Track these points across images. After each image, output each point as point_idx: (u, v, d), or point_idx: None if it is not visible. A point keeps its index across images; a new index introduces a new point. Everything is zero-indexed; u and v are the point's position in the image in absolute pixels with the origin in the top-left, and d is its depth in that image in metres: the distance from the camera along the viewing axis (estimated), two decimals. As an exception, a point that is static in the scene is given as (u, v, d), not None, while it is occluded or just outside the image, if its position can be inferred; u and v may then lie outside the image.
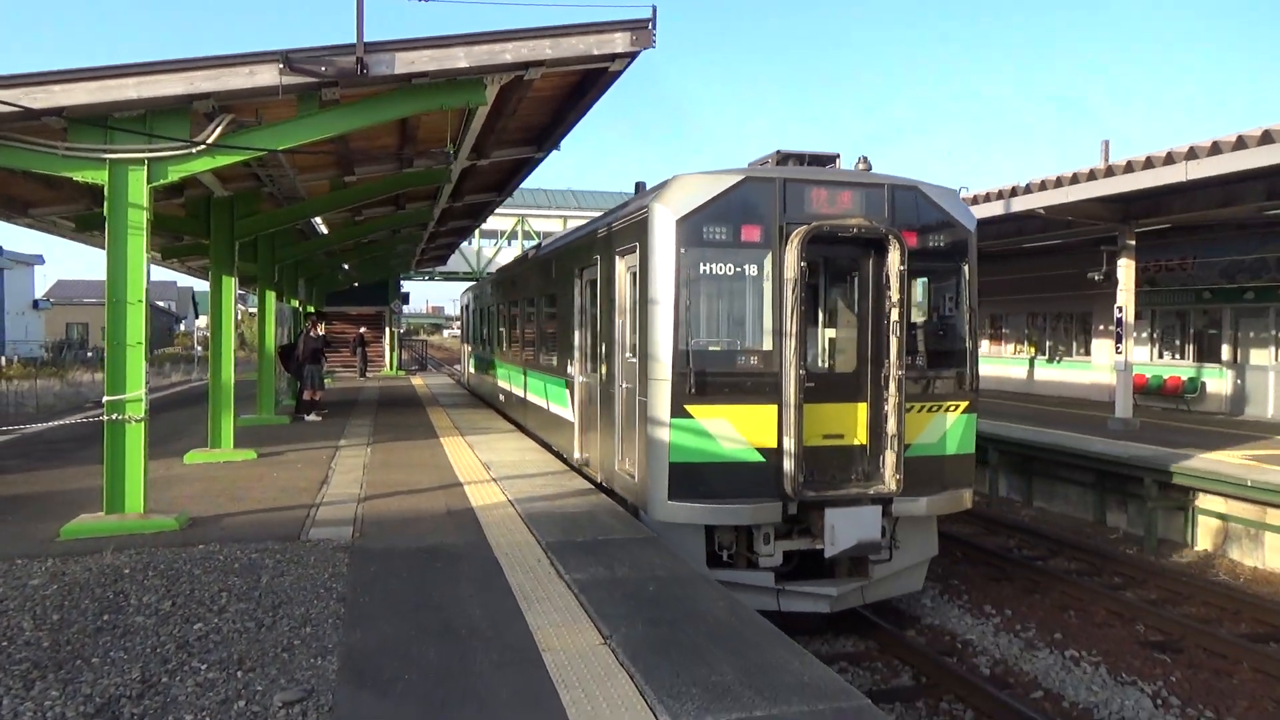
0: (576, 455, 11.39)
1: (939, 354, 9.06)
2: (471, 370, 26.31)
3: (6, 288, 59.71)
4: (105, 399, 7.80)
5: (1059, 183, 14.51)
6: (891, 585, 9.30)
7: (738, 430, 8.25)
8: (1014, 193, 15.65)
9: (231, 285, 12.22)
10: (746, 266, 8.43)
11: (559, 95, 10.55)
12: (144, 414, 7.87)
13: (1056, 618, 9.89)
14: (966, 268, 9.08)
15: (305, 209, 13.14)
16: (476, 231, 43.71)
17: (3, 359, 48.76)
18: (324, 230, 17.38)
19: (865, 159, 9.34)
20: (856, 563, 9.02)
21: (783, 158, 9.23)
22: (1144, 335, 22.78)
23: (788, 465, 8.09)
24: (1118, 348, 16.65)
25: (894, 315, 8.31)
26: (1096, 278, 17.09)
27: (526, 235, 44.86)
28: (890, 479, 8.33)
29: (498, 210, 43.64)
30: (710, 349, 8.46)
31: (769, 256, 8.35)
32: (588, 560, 6.84)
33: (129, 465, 7.86)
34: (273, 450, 12.94)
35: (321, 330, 18.10)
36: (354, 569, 6.65)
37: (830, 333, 9.23)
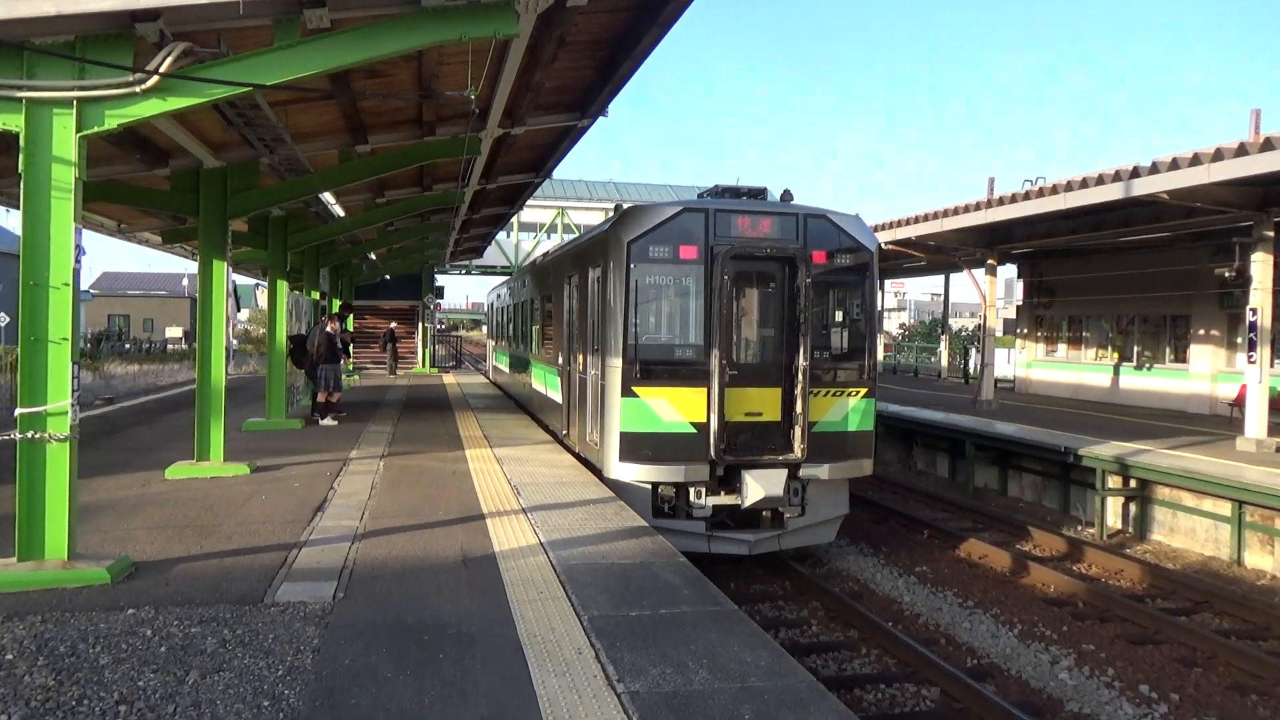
0: (563, 431, 13.42)
1: (844, 350, 11.07)
2: (495, 365, 27.86)
3: (46, 279, 59.52)
4: (18, 411, 5.98)
5: (1196, 160, 12.23)
6: (805, 536, 11.12)
7: (675, 408, 10.18)
8: (1135, 174, 13.36)
9: (223, 270, 10.42)
10: (683, 278, 10.33)
11: (608, 37, 8.61)
12: (70, 431, 6.04)
13: (1235, 705, 7.72)
14: (868, 281, 11.00)
15: (310, 183, 11.31)
16: (515, 223, 42.10)
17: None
18: (340, 213, 15.60)
19: (788, 191, 11.29)
20: (775, 516, 10.73)
21: (719, 191, 11.23)
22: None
23: (713, 436, 10.04)
24: (1250, 355, 14.29)
25: (801, 318, 10.19)
26: (1228, 274, 14.77)
27: (567, 228, 43.08)
28: (797, 448, 10.24)
29: (538, 201, 42.09)
30: (653, 343, 10.45)
31: (701, 270, 10.21)
32: (648, 652, 4.88)
33: (50, 499, 6.02)
34: (272, 463, 11.17)
35: (338, 325, 16.20)
36: (322, 661, 4.75)
37: (753, 331, 10.83)
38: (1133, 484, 13.95)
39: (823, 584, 10.61)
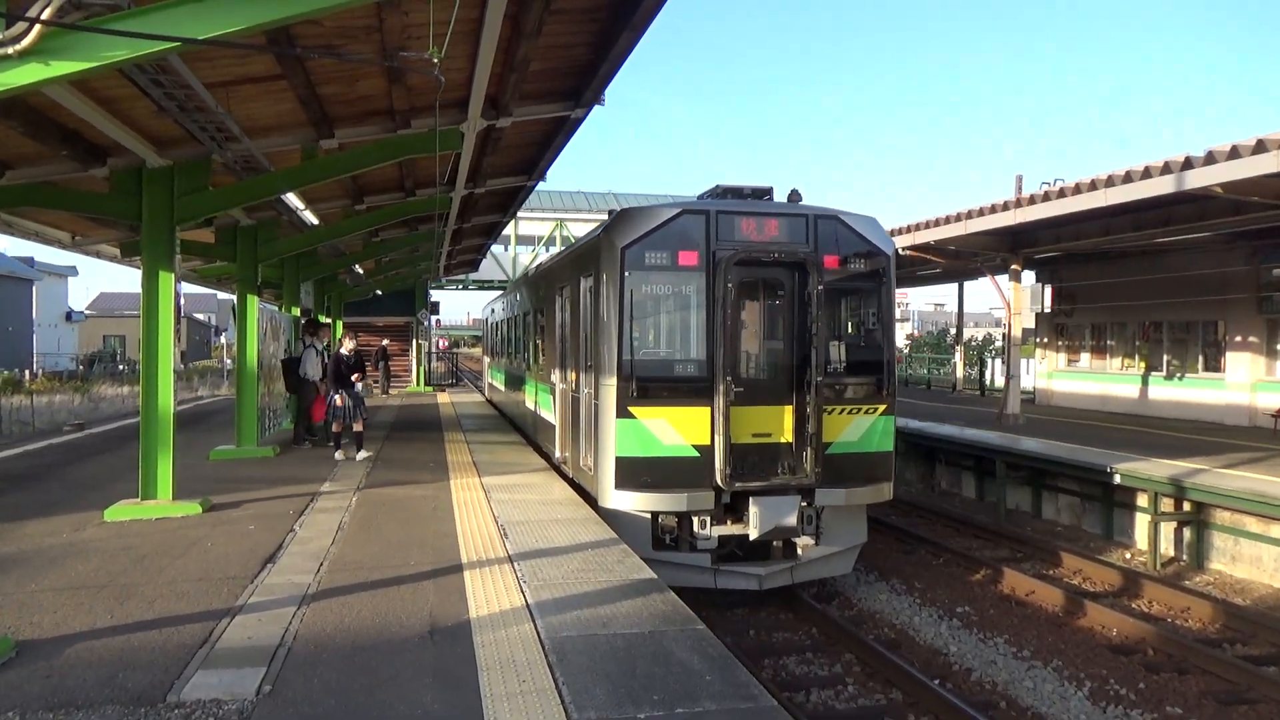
0: (557, 455, 12.35)
1: (859, 363, 10.07)
2: (490, 382, 27.00)
3: (39, 300, 58.62)
4: None
5: (1260, 147, 10.96)
6: (820, 568, 10.18)
7: (675, 429, 9.26)
8: (1188, 165, 12.11)
9: (170, 283, 9.16)
10: (683, 286, 9.47)
11: (603, 1, 7.38)
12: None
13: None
14: (885, 287, 10.11)
15: (270, 183, 10.02)
16: (512, 235, 41.00)
17: (28, 372, 47.07)
18: (314, 220, 14.34)
19: (796, 191, 10.31)
20: (787, 546, 9.86)
21: (722, 191, 10.26)
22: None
23: (718, 460, 9.08)
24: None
25: (812, 329, 9.29)
26: (1287, 275, 13.47)
27: (565, 240, 41.91)
28: (811, 472, 9.28)
29: (534, 213, 40.90)
30: (651, 358, 9.58)
31: (703, 277, 9.30)
32: (663, 783, 3.59)
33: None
34: (231, 499, 9.91)
35: (350, 345, 13.84)
36: (216, 804, 3.47)
37: (760, 344, 10.04)
38: (1186, 507, 12.66)
39: (854, 631, 9.29)
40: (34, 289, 57.56)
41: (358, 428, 13.56)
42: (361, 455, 13.37)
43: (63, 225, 13.30)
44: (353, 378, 13.61)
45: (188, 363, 65.39)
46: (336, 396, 13.44)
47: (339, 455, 13.44)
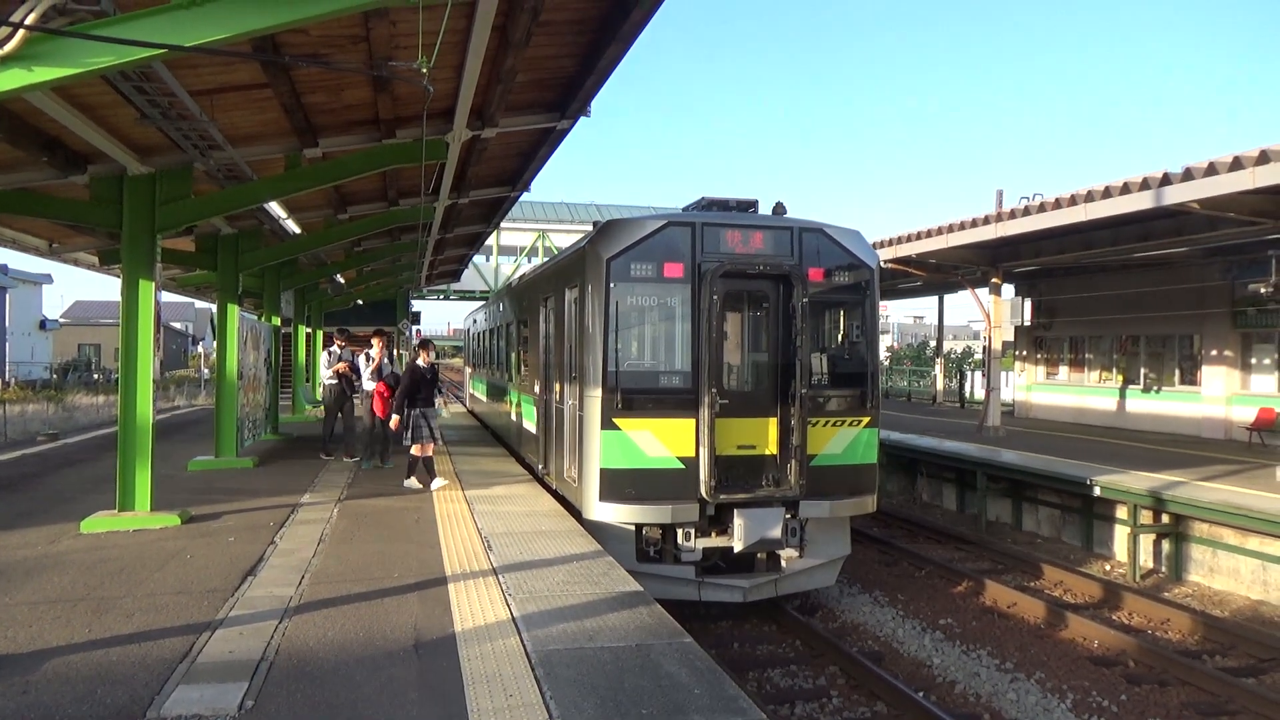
0: (541, 467, 12.27)
1: (843, 376, 10.16)
2: (472, 393, 27.10)
3: (12, 308, 57.87)
4: None
5: (1237, 164, 11.13)
6: (804, 580, 10.17)
7: (660, 441, 9.26)
8: (1166, 181, 12.26)
9: (150, 291, 9.06)
10: (668, 298, 9.49)
11: (591, 14, 7.40)
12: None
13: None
14: (869, 300, 10.18)
15: (253, 191, 9.94)
16: (494, 245, 40.91)
17: (0, 381, 46.39)
18: (296, 230, 14.25)
19: (780, 204, 10.33)
20: (771, 558, 9.90)
21: (707, 204, 10.28)
22: (1265, 363, 19.32)
23: (703, 472, 9.12)
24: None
25: (797, 341, 9.36)
26: (1264, 290, 13.67)
27: (548, 251, 41.88)
28: (795, 484, 9.32)
29: (517, 224, 40.82)
30: (636, 369, 9.57)
31: (688, 289, 9.35)
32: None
33: None
34: (210, 510, 9.79)
35: (430, 357, 12.26)
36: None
37: (745, 356, 10.06)
38: (1165, 519, 12.78)
39: (838, 644, 9.28)
40: (7, 297, 56.84)
41: (429, 452, 11.80)
42: (437, 484, 11.58)
43: (40, 232, 13.13)
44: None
45: (165, 372, 64.75)
46: (420, 415, 11.69)
47: (410, 483, 11.74)
